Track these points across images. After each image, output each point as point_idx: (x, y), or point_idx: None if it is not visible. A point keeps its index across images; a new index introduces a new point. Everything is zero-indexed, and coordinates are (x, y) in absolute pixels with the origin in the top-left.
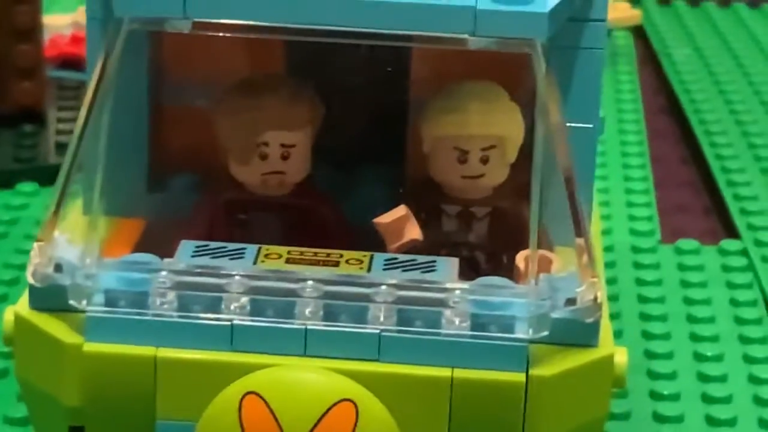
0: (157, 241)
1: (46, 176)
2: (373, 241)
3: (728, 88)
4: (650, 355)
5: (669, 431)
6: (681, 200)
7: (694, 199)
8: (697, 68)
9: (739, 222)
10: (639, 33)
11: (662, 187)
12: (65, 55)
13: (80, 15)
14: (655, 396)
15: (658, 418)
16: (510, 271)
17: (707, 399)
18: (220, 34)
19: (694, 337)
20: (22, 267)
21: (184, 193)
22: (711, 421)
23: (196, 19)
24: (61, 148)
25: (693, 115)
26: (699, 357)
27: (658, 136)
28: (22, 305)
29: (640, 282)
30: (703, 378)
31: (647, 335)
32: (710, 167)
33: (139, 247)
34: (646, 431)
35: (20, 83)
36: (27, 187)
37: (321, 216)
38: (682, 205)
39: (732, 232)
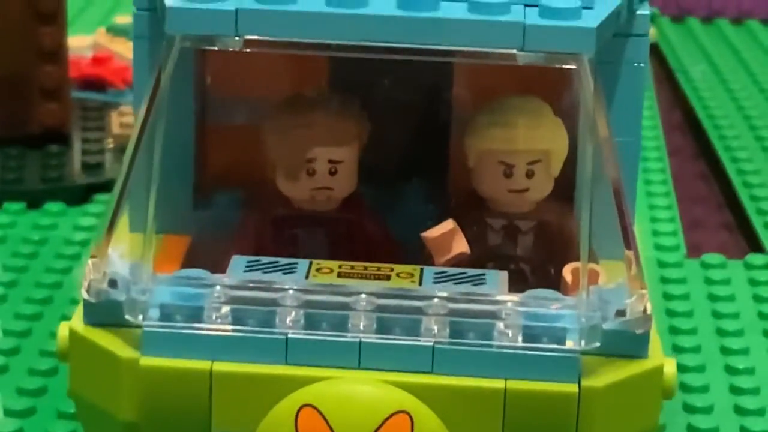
0: (203, 258)
1: (72, 196)
2: (419, 255)
3: (746, 104)
4: (682, 368)
5: None
6: (702, 216)
7: (715, 214)
8: (713, 84)
9: (764, 236)
10: (654, 51)
11: (682, 203)
12: (86, 76)
13: (100, 36)
14: (688, 409)
15: (693, 430)
16: (556, 284)
17: (740, 411)
18: (267, 52)
19: (725, 351)
20: (54, 286)
21: (229, 210)
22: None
23: (247, 37)
24: (87, 168)
25: (712, 131)
26: (731, 370)
27: (675, 152)
28: (76, 321)
29: (667, 296)
30: (736, 391)
31: (678, 349)
32: (732, 182)
33: (186, 264)
34: None
35: (46, 104)
36: (54, 207)
37: (368, 231)
38: (702, 221)
39: (755, 247)
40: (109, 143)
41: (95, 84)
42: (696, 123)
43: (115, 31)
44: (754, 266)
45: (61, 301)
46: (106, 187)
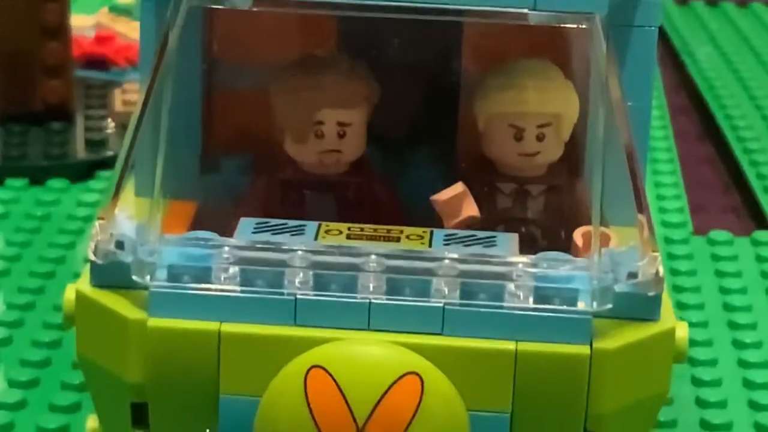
0: (210, 222)
1: (76, 172)
2: (428, 218)
3: (751, 84)
4: (690, 343)
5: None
6: (708, 198)
7: (722, 196)
8: (718, 66)
9: None
10: (659, 34)
11: (688, 185)
12: (89, 55)
13: (102, 16)
14: (697, 383)
15: (702, 404)
16: (566, 248)
17: (749, 385)
18: (275, 11)
19: (733, 326)
20: (57, 261)
21: (237, 175)
22: (754, 405)
23: None
24: (90, 145)
25: (718, 111)
26: (738, 344)
27: (680, 134)
28: (82, 283)
29: (674, 272)
30: (744, 365)
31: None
32: (739, 162)
33: (193, 228)
34: None
35: (48, 81)
36: (58, 183)
37: (376, 194)
38: (709, 203)
39: (763, 226)
40: (111, 125)
41: (98, 63)
42: (701, 104)
43: (118, 10)
44: (761, 242)
45: (64, 275)
46: (109, 163)
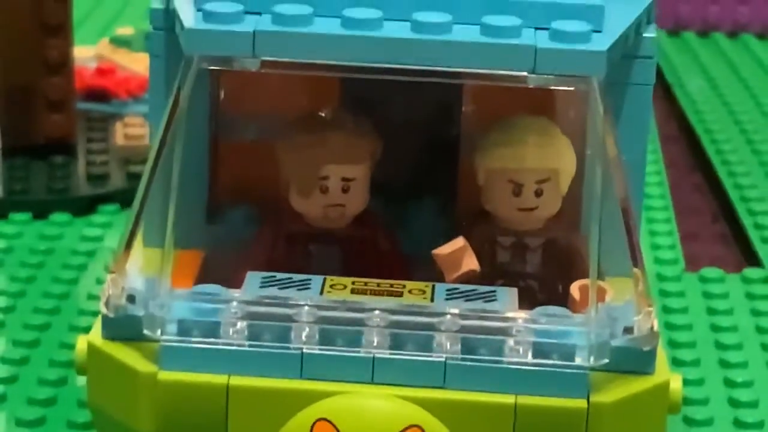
0: (216, 273)
1: (78, 207)
2: (429, 271)
3: (743, 118)
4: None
5: None
6: (697, 228)
7: (711, 226)
8: (710, 98)
9: (761, 250)
10: None
11: (678, 215)
12: (90, 87)
13: (103, 48)
14: (688, 421)
15: None
16: (564, 301)
17: (740, 424)
18: (281, 72)
19: (724, 364)
20: (61, 296)
21: (242, 226)
22: None
23: (264, 58)
24: (92, 179)
25: (709, 144)
26: (730, 383)
27: (671, 165)
28: (94, 335)
29: (666, 310)
30: (735, 403)
31: (677, 362)
32: (729, 196)
33: (200, 279)
34: None
35: (51, 115)
36: (60, 217)
37: (380, 247)
38: (698, 233)
39: (752, 260)
40: (112, 159)
41: (99, 95)
42: (692, 136)
43: (118, 42)
44: (751, 280)
45: (69, 311)
46: (111, 197)
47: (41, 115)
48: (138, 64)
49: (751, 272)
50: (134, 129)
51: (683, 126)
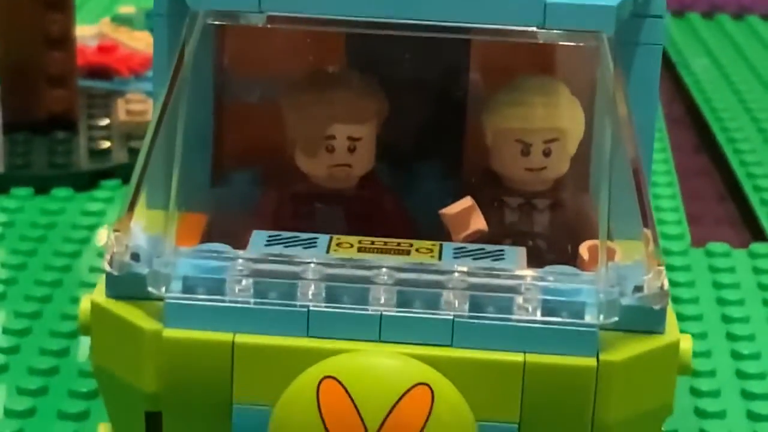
0: (221, 235)
1: (79, 182)
2: (436, 231)
3: (747, 97)
4: None
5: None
6: (704, 209)
7: (717, 207)
8: (714, 78)
9: None
10: None
11: (684, 196)
12: (92, 64)
13: (104, 26)
14: (696, 393)
15: (700, 413)
16: (572, 261)
17: (747, 395)
18: (286, 28)
19: (731, 337)
20: (64, 269)
21: (247, 188)
22: (752, 416)
23: (271, 13)
24: (94, 154)
25: (714, 123)
26: (737, 355)
27: (676, 146)
28: (98, 294)
29: (672, 283)
30: (742, 375)
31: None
32: (735, 174)
33: (204, 241)
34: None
35: (53, 91)
36: (62, 192)
37: (386, 208)
38: (705, 214)
39: (759, 238)
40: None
41: (101, 72)
42: (697, 116)
43: (120, 20)
44: (758, 255)
45: (71, 284)
46: (113, 173)
47: (43, 91)
48: (139, 42)
49: (758, 247)
50: (136, 105)
51: (688, 107)
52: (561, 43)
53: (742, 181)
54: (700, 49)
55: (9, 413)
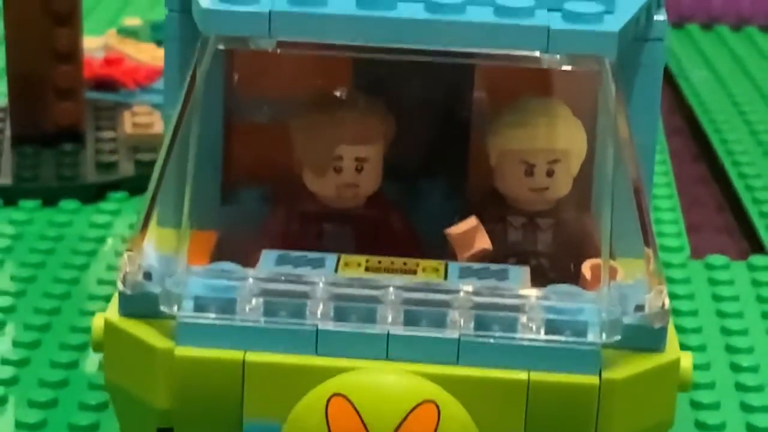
0: (230, 253)
1: (87, 194)
2: (441, 249)
3: (746, 109)
4: None
5: None
6: (702, 219)
7: (716, 217)
8: (714, 89)
9: (767, 238)
10: None
11: (682, 206)
12: (99, 77)
13: (110, 38)
14: (695, 405)
15: (700, 426)
16: (575, 280)
17: (746, 408)
18: (296, 53)
19: (730, 349)
20: (72, 281)
21: (256, 207)
22: (752, 428)
23: (280, 39)
24: (101, 166)
25: (713, 134)
26: (736, 368)
27: (675, 156)
28: (111, 312)
29: (672, 296)
30: (741, 388)
31: (683, 347)
32: (733, 185)
33: (214, 259)
34: None
35: (60, 104)
36: (70, 204)
37: (392, 227)
38: (703, 224)
39: (757, 250)
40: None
41: (107, 84)
42: (696, 128)
43: (125, 32)
44: (757, 267)
45: (79, 296)
46: (120, 185)
47: (51, 103)
48: (145, 54)
49: (756, 259)
50: (142, 118)
51: (687, 118)
52: (564, 68)
53: (740, 192)
54: (699, 61)
55: (20, 426)
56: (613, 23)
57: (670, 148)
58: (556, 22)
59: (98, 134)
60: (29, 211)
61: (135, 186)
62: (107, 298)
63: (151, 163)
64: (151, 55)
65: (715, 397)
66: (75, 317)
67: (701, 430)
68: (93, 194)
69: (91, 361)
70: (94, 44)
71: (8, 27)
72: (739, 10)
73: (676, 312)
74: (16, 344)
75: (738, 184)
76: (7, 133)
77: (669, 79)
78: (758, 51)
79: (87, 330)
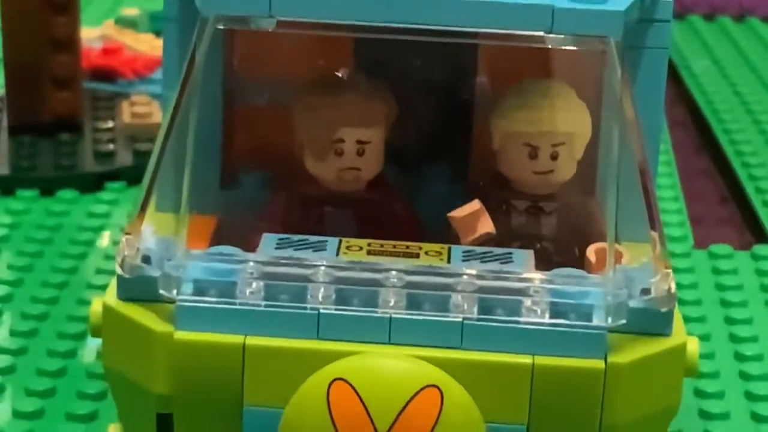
0: (231, 237)
1: (85, 184)
2: (444, 234)
3: (749, 99)
4: None
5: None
6: (705, 210)
7: (719, 208)
8: (716, 79)
9: None
10: None
11: (685, 197)
12: (97, 67)
13: (108, 28)
14: (700, 394)
15: (705, 415)
16: (579, 264)
17: (750, 396)
18: (296, 33)
19: (734, 338)
20: (70, 271)
21: (256, 191)
22: (756, 417)
23: (281, 18)
24: (99, 156)
25: (716, 125)
26: (740, 357)
27: (678, 147)
28: (109, 296)
29: (676, 285)
30: (745, 377)
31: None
32: (737, 176)
33: (214, 243)
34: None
35: (58, 93)
36: (67, 194)
37: (394, 211)
38: (706, 215)
39: (761, 239)
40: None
41: (105, 74)
42: (699, 119)
43: (123, 22)
44: (761, 257)
45: (77, 285)
46: (118, 175)
47: (48, 93)
48: (143, 44)
49: (761, 248)
50: (141, 107)
51: (690, 109)
52: (569, 48)
53: (744, 182)
54: (701, 51)
55: (18, 414)
56: (619, 2)
57: (673, 140)
58: (561, 1)
59: (96, 124)
60: (27, 200)
61: (133, 176)
62: (105, 288)
63: (150, 153)
64: (149, 45)
65: (719, 386)
66: (73, 306)
67: (705, 419)
68: (91, 184)
69: (89, 350)
70: (91, 34)
71: (6, 16)
72: (741, 1)
73: (679, 301)
74: (13, 333)
75: (741, 173)
76: (5, 122)
77: (671, 70)
78: (761, 41)
79: (85, 319)
